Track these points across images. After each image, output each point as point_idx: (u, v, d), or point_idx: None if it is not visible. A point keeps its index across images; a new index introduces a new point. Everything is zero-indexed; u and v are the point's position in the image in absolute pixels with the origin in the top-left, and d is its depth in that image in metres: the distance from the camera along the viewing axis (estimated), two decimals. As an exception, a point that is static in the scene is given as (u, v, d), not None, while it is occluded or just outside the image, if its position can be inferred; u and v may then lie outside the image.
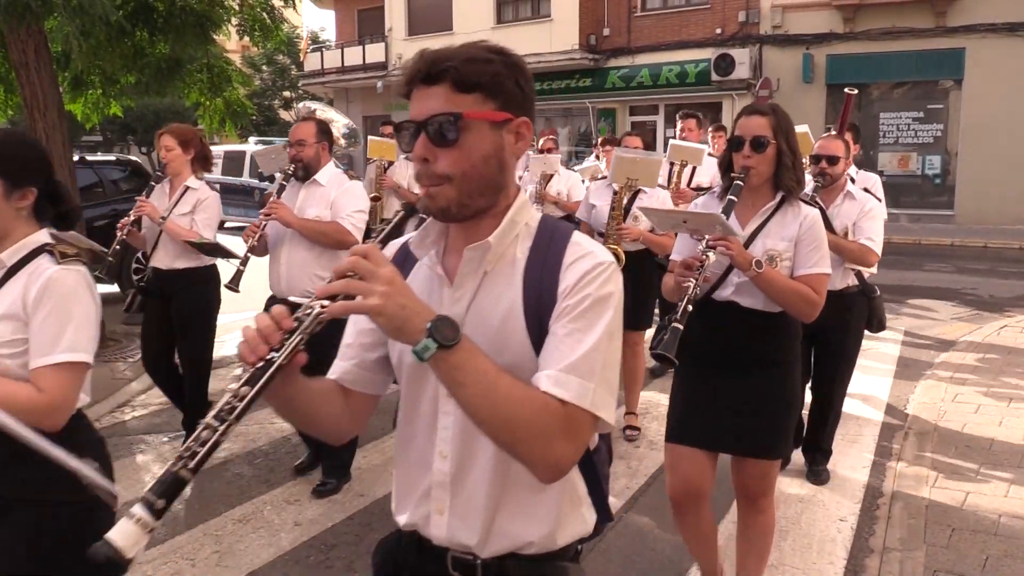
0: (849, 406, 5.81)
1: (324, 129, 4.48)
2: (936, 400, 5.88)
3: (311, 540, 3.97)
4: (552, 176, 7.21)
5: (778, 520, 4.10)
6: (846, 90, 5.12)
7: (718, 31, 19.82)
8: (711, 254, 2.91)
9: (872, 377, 6.62)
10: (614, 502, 4.27)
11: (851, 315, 4.54)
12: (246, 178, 19.25)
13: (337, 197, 4.31)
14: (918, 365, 6.99)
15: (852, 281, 4.52)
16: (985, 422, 5.42)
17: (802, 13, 18.83)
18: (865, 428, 5.48)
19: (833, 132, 7.19)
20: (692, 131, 6.69)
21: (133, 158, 13.72)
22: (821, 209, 3.75)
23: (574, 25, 21.22)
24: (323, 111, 5.56)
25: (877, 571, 3.66)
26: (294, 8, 11.07)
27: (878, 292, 4.70)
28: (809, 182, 4.16)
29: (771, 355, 3.03)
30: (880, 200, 5.59)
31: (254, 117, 28.08)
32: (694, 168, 6.48)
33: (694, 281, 2.86)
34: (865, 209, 4.33)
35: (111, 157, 13.11)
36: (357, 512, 4.27)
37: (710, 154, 6.79)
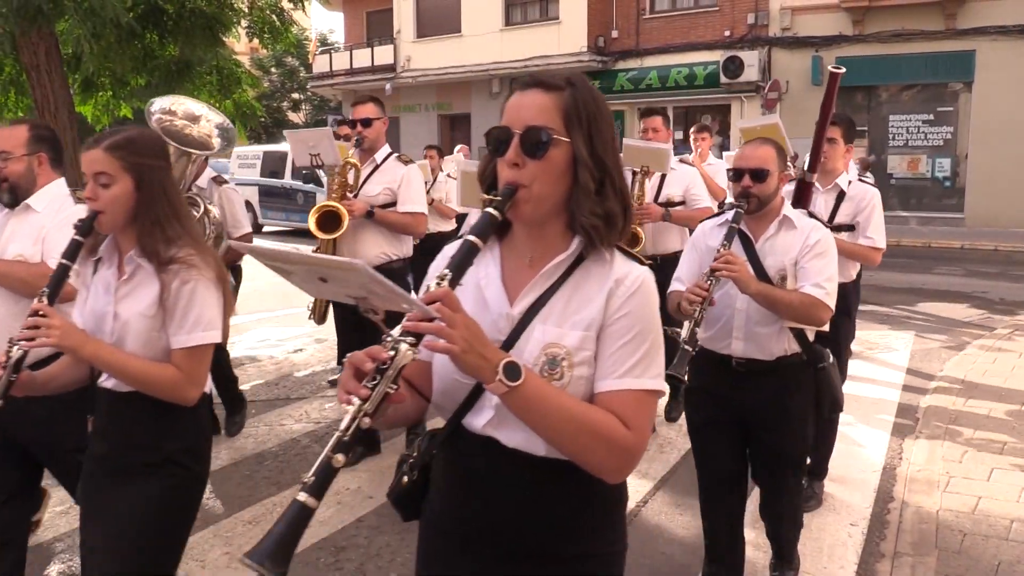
0: (859, 410, 5.80)
1: (41, 136, 3.19)
2: (947, 404, 5.85)
3: (321, 543, 3.97)
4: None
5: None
6: (830, 67, 4.06)
7: (727, 33, 19.79)
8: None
9: (882, 381, 6.59)
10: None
11: (789, 395, 3.17)
12: (288, 180, 18.43)
13: (51, 230, 3.02)
14: (928, 369, 6.96)
15: (790, 346, 3.14)
16: (996, 427, 5.39)
17: (811, 15, 18.79)
18: (875, 433, 5.46)
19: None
20: (659, 131, 5.55)
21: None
22: (747, 242, 3.17)
23: (582, 27, 21.22)
24: (180, 103, 4.64)
25: (888, 576, 3.65)
26: (303, 10, 11.13)
27: (829, 359, 3.25)
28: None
29: (564, 547, 1.61)
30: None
31: (263, 119, 28.15)
32: (663, 177, 5.36)
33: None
34: (810, 242, 3.06)
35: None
36: (367, 514, 4.27)
37: (683, 160, 6.04)
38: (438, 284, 1.40)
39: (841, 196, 4.37)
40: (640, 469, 4.84)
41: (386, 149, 4.97)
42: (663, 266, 4.28)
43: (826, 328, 3.21)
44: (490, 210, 1.50)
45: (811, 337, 3.22)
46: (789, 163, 3.74)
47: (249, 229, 5.36)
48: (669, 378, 2.75)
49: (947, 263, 13.42)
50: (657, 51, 20.83)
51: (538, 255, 1.60)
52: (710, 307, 2.96)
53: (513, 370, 1.40)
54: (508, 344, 1.54)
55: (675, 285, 3.30)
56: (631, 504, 4.33)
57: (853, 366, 6.65)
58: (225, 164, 19.64)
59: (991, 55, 16.95)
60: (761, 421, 3.20)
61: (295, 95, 39.21)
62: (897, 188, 18.32)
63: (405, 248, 4.99)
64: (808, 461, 4.08)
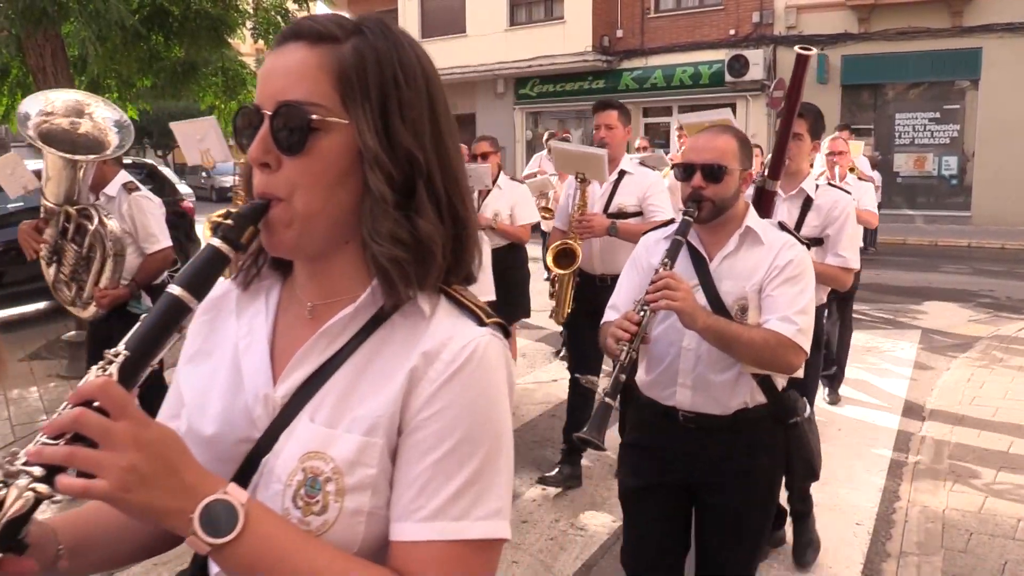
0: (865, 410, 5.79)
1: None
2: (953, 404, 5.83)
3: None
4: (488, 192, 5.75)
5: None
6: (797, 48, 3.28)
7: (732, 32, 19.75)
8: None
9: (888, 380, 6.57)
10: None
11: (751, 457, 2.49)
12: None
13: None
14: (935, 368, 6.93)
15: (752, 397, 2.47)
16: (1003, 425, 5.36)
17: (816, 14, 18.73)
18: (881, 431, 5.44)
19: (841, 134, 7.03)
20: (613, 128, 4.61)
21: (149, 161, 13.83)
22: (699, 260, 2.50)
23: (587, 27, 21.19)
24: (56, 98, 4.10)
25: (894, 575, 3.64)
26: (308, 11, 11.14)
27: (805, 411, 2.57)
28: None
29: None
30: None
31: (268, 120, 28.15)
32: (617, 182, 4.55)
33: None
34: (779, 263, 2.40)
35: (127, 160, 13.20)
36: None
37: (643, 162, 5.31)
38: (101, 372, 0.88)
39: (808, 204, 3.67)
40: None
41: None
42: (612, 288, 3.47)
43: (800, 374, 2.47)
44: (215, 241, 0.95)
45: (781, 384, 2.51)
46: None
47: (166, 244, 4.45)
48: (584, 442, 2.25)
49: (954, 261, 13.37)
50: (662, 50, 20.79)
51: (321, 304, 1.05)
52: (645, 346, 2.36)
53: (219, 516, 0.86)
54: (263, 449, 1.00)
55: (608, 314, 2.64)
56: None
57: (860, 364, 6.66)
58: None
59: (998, 52, 16.87)
60: (713, 484, 2.48)
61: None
62: (903, 186, 18.26)
63: None
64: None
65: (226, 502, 0.87)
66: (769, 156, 3.43)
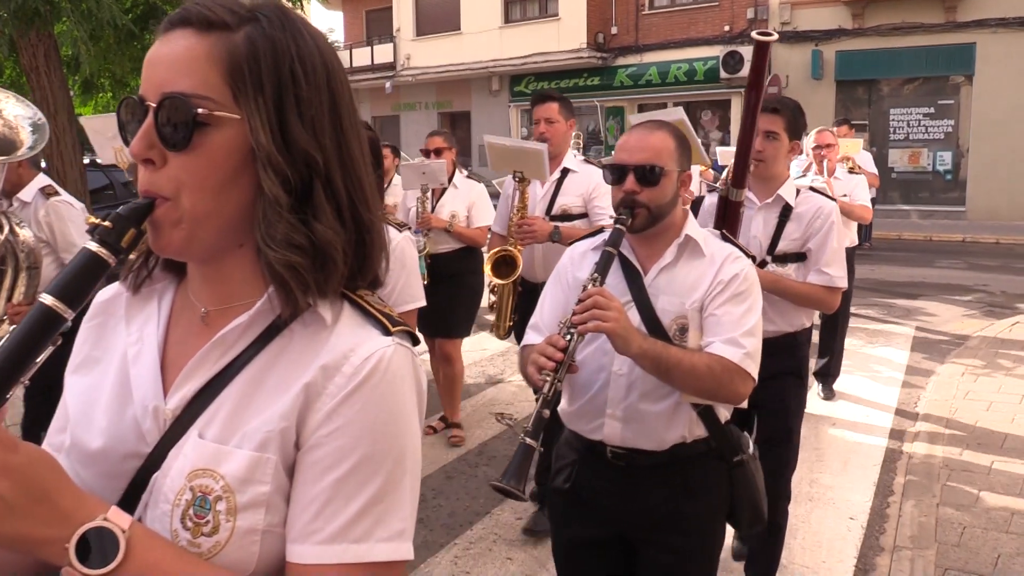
0: (860, 406, 5.81)
1: None
2: (947, 397, 5.85)
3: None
4: (443, 191, 5.27)
5: (788, 519, 4.11)
6: (754, 34, 2.88)
7: (726, 28, 19.77)
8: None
9: (883, 376, 6.59)
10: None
11: (691, 499, 2.20)
12: None
13: None
14: (929, 362, 6.95)
15: (693, 431, 2.18)
16: (997, 419, 5.38)
17: (811, 9, 18.76)
18: (876, 427, 5.45)
19: (833, 129, 6.90)
20: (555, 122, 4.18)
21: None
22: (633, 274, 2.20)
23: (582, 24, 21.20)
24: None
25: (888, 570, 3.65)
26: (301, 9, 11.13)
27: (748, 448, 2.27)
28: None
29: None
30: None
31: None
32: (560, 181, 4.15)
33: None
34: (723, 277, 2.15)
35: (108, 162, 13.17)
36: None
37: (590, 160, 4.52)
38: None
39: (786, 213, 3.17)
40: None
41: None
42: None
43: (744, 404, 2.22)
44: (91, 245, 0.87)
45: (724, 417, 2.22)
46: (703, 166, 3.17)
47: None
48: (502, 491, 1.89)
49: (949, 256, 13.39)
50: (657, 47, 20.81)
51: (216, 310, 0.99)
52: (571, 374, 2.05)
53: (98, 544, 0.80)
54: (152, 465, 0.93)
55: (529, 336, 2.31)
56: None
57: (854, 361, 6.68)
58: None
59: (992, 48, 16.90)
60: (648, 535, 2.21)
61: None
62: (898, 182, 18.29)
63: None
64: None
65: (106, 529, 0.81)
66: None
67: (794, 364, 3.25)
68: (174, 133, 0.87)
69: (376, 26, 27.40)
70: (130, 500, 0.93)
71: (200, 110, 0.87)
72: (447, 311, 5.02)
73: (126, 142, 0.92)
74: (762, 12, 19.35)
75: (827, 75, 18.69)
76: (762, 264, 3.09)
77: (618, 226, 2.13)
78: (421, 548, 3.37)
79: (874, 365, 6.88)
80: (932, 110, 18.17)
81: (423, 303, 2.94)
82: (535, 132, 4.24)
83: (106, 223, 0.88)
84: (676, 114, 3.64)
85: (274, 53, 0.91)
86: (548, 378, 1.93)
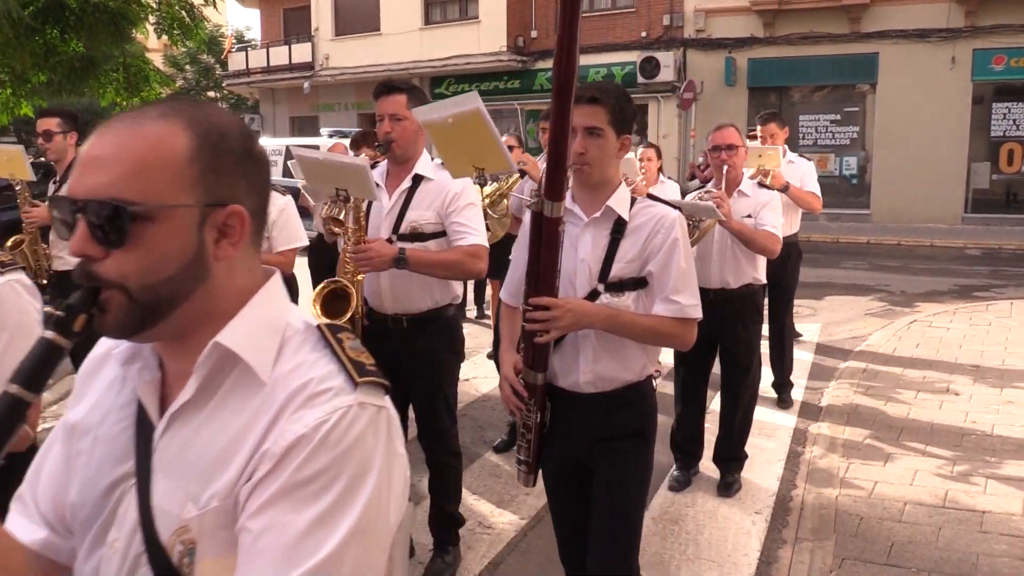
0: (765, 403, 5.98)
1: None
2: (849, 393, 6.08)
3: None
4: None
5: (695, 515, 4.21)
6: None
7: (643, 34, 20.12)
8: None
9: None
10: (534, 503, 4.30)
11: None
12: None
13: None
14: (833, 360, 7.22)
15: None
16: (894, 413, 5.62)
17: (724, 17, 19.25)
18: (780, 421, 5.63)
19: (757, 127, 6.38)
20: (403, 119, 3.32)
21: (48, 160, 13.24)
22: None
23: (502, 27, 21.29)
24: None
25: (789, 561, 3.78)
26: (215, 7, 10.86)
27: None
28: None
29: None
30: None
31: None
32: (409, 193, 3.37)
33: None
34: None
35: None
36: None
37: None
38: None
39: (620, 229, 2.53)
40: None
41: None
42: (410, 332, 3.39)
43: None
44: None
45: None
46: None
47: None
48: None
49: (854, 257, 13.93)
50: (576, 51, 21.03)
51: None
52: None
53: None
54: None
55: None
56: (541, 502, 4.38)
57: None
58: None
59: (893, 58, 17.65)
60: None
61: (211, 93, 38.21)
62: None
63: None
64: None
65: None
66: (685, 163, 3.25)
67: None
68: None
69: (294, 25, 26.95)
70: None
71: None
72: None
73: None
74: (678, 19, 19.76)
75: (740, 82, 19.20)
76: (593, 295, 2.47)
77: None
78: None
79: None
80: (839, 117, 18.86)
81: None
82: (379, 131, 3.37)
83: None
84: (471, 101, 3.00)
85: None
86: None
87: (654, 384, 2.63)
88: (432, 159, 3.46)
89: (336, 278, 3.38)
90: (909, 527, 3.99)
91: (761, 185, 4.47)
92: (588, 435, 2.56)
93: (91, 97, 12.04)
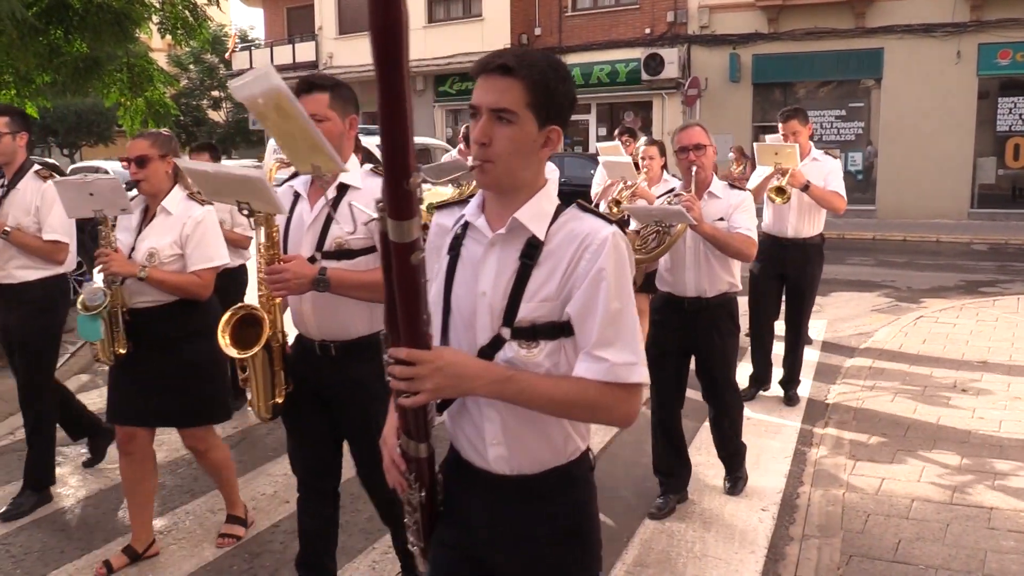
0: (772, 398, 5.97)
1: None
2: (855, 390, 6.06)
3: (235, 550, 3.90)
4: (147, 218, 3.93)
5: (703, 512, 4.21)
6: None
7: (647, 31, 20.10)
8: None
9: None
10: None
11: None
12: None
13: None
14: (839, 356, 7.20)
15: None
16: (901, 410, 5.60)
17: (728, 13, 19.22)
18: (786, 419, 5.62)
19: (779, 124, 6.30)
20: (326, 120, 2.83)
21: (53, 161, 13.31)
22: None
23: (505, 24, 21.28)
24: None
25: (796, 558, 3.76)
26: (218, 6, 10.87)
27: None
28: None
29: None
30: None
31: (181, 118, 27.43)
32: (334, 206, 2.85)
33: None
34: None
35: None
36: (283, 519, 4.20)
37: (376, 171, 2.98)
38: None
39: (532, 252, 1.74)
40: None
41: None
42: (340, 358, 2.92)
43: None
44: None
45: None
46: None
47: None
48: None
49: (859, 253, 13.90)
50: (580, 48, 21.02)
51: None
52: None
53: None
54: None
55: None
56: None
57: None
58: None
59: (898, 53, 17.61)
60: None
61: (215, 93, 38.27)
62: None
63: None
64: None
65: None
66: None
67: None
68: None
69: (298, 24, 26.98)
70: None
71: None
72: (169, 392, 3.66)
73: None
74: (682, 16, 19.74)
75: (744, 78, 19.17)
76: (496, 344, 1.71)
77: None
78: (339, 554, 3.34)
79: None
80: (844, 112, 18.83)
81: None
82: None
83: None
84: (267, 79, 2.17)
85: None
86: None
87: (591, 460, 1.88)
88: (361, 165, 2.98)
89: (244, 303, 2.99)
90: (916, 524, 3.97)
91: (732, 186, 4.19)
92: (496, 530, 1.81)
93: (95, 97, 12.07)
